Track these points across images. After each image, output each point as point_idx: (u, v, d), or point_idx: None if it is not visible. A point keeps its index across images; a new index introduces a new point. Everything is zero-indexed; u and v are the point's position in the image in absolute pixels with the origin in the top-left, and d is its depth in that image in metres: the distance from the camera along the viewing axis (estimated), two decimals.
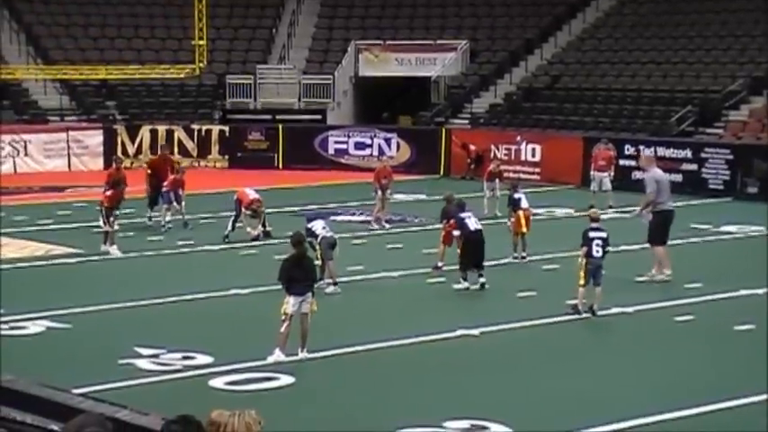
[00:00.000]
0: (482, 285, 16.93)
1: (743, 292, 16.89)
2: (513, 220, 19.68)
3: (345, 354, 13.52)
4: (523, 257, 19.34)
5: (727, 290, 16.90)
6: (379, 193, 23.65)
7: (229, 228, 21.21)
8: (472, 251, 17.02)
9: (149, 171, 23.99)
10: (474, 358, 13.54)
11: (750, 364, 13.22)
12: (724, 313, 15.75)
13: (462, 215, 17.39)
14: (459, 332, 14.50)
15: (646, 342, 14.26)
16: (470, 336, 14.40)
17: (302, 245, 13.60)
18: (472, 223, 17.26)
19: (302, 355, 13.16)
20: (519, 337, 14.53)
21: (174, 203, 22.83)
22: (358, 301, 16.49)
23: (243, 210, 21.41)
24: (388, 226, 23.08)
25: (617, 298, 16.31)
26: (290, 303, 13.07)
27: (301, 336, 13.17)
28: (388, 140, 34.38)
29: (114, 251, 19.62)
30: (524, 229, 19.35)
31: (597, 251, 15.43)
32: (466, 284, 16.94)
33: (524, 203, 19.83)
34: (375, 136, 34.58)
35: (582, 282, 15.35)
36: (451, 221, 17.93)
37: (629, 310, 15.78)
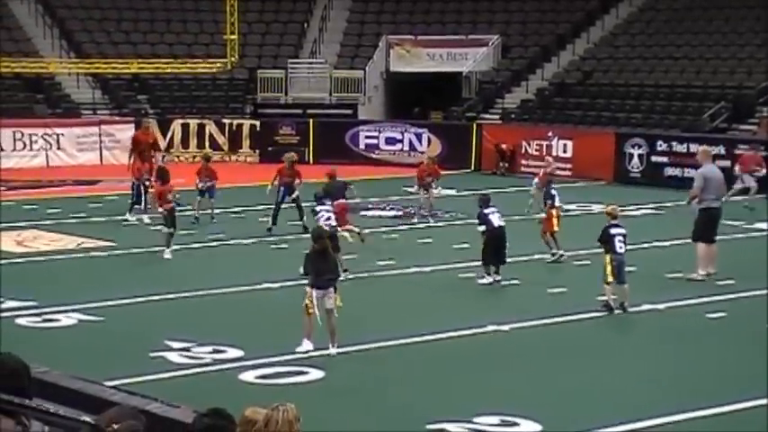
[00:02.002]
0: (497, 282, 16.91)
1: None
2: (545, 217, 19.45)
3: (375, 348, 13.54)
4: (561, 255, 19.11)
5: (759, 287, 16.77)
6: (422, 190, 23.57)
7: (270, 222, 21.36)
8: (494, 247, 16.97)
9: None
10: (504, 354, 13.52)
11: None
12: (756, 311, 15.64)
13: (486, 211, 17.30)
14: (489, 327, 14.49)
15: (676, 339, 14.18)
16: (500, 331, 14.38)
17: (323, 239, 13.65)
18: (495, 219, 17.21)
19: (332, 350, 13.20)
20: (549, 333, 14.49)
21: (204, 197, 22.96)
22: (389, 296, 16.50)
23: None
24: (432, 221, 22.97)
25: (648, 294, 16.23)
26: (313, 296, 13.17)
27: (329, 332, 13.21)
28: (418, 135, 34.36)
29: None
30: (556, 228, 19.23)
31: (620, 247, 15.40)
32: (490, 279, 16.94)
33: (557, 201, 19.77)
34: (406, 131, 34.57)
35: (609, 279, 15.31)
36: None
37: (661, 306, 15.71)
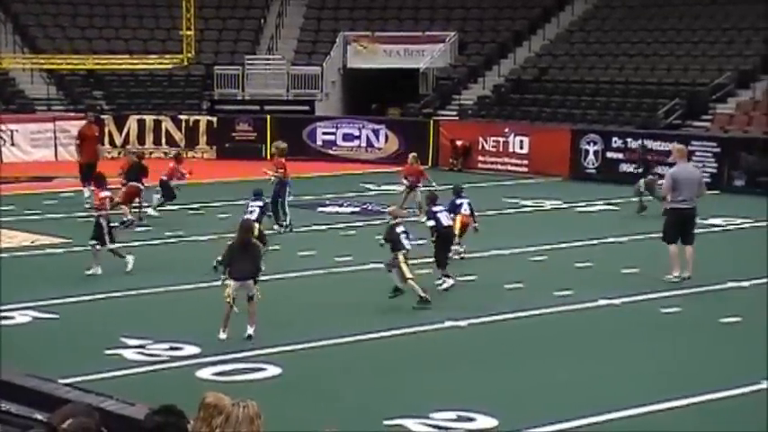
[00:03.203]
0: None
1: (730, 284, 16.94)
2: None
3: (333, 345, 13.51)
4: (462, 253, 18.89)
5: (714, 282, 16.94)
6: (405, 189, 23.17)
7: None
8: (444, 247, 16.83)
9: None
10: (461, 349, 13.54)
11: (736, 356, 13.27)
12: (711, 306, 15.80)
13: (435, 209, 17.02)
14: (446, 323, 14.51)
15: (632, 334, 14.28)
16: (457, 327, 14.40)
17: (248, 232, 13.84)
18: (443, 218, 16.91)
19: (250, 330, 13.59)
20: (506, 328, 14.54)
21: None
22: (346, 292, 16.47)
23: None
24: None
25: (605, 290, 16.34)
26: (231, 287, 13.52)
27: (249, 314, 13.58)
28: (376, 132, 34.35)
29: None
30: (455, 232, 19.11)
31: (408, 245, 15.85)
32: (451, 282, 16.54)
33: (465, 209, 19.09)
34: (363, 127, 34.55)
35: (408, 275, 15.39)
36: None
37: (617, 302, 15.82)
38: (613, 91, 34.00)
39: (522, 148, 31.79)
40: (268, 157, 33.25)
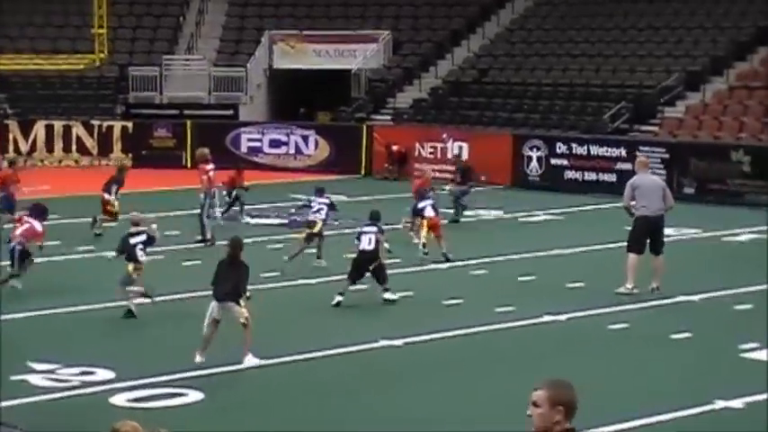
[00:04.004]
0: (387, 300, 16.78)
1: (680, 298, 17.17)
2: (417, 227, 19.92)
3: (258, 368, 13.43)
4: (425, 254, 19.68)
5: (663, 296, 17.16)
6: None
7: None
8: (357, 268, 16.76)
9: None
10: (396, 370, 13.54)
11: (687, 374, 13.44)
12: (660, 321, 15.99)
13: (364, 229, 17.03)
14: (381, 342, 14.50)
15: (577, 352, 14.40)
16: (393, 347, 14.41)
17: (236, 248, 13.69)
18: (364, 241, 16.84)
19: (252, 360, 13.33)
20: (444, 346, 14.58)
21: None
22: (274, 311, 16.38)
23: None
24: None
25: (550, 305, 16.46)
26: (212, 308, 13.34)
27: (244, 341, 13.34)
28: (305, 138, 34.31)
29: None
30: (423, 237, 19.46)
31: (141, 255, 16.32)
32: (339, 298, 16.53)
33: (429, 212, 19.73)
34: (291, 133, 34.48)
35: None
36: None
37: (562, 317, 15.95)
38: (557, 93, 34.35)
39: (460, 154, 31.94)
40: (189, 165, 33.08)
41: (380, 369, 13.64)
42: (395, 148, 32.55)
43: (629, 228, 17.85)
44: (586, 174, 29.79)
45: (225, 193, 24.53)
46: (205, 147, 23.71)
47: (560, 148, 30.42)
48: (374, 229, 17.06)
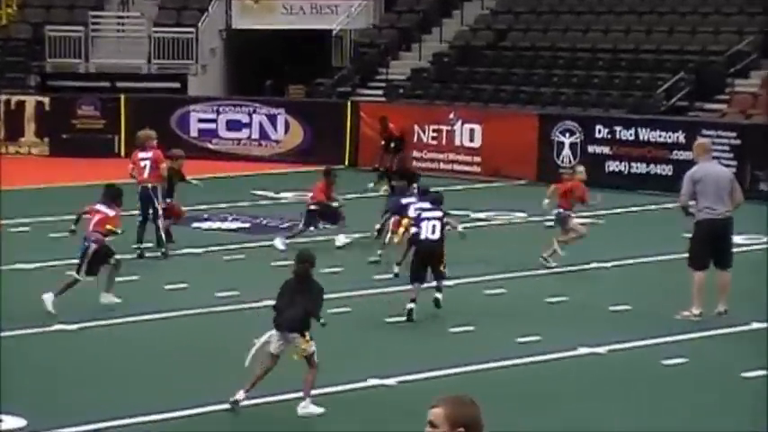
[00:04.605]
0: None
1: (754, 325, 17.19)
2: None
3: (220, 410, 13.45)
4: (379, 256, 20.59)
5: (732, 323, 17.18)
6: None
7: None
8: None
9: None
10: (387, 414, 13.55)
11: (762, 423, 13.45)
12: (728, 355, 16.00)
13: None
14: (370, 382, 14.50)
15: (620, 393, 14.42)
16: (384, 386, 14.41)
17: (304, 264, 13.65)
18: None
19: (312, 409, 13.40)
20: (446, 387, 14.52)
21: None
22: (231, 341, 16.37)
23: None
24: None
25: (585, 334, 16.47)
26: (270, 338, 13.43)
27: (304, 382, 13.47)
28: (272, 118, 34.31)
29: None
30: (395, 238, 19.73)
31: None
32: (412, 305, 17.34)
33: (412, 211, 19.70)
34: (255, 112, 34.47)
35: None
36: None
37: (601, 350, 15.97)
38: (596, 62, 34.39)
39: (472, 140, 31.99)
40: (122, 153, 33.02)
41: (367, 412, 13.65)
42: (392, 125, 32.20)
43: (689, 235, 17.84)
44: (634, 165, 29.82)
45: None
46: (146, 128, 23.56)
47: (600, 131, 30.46)
48: (438, 213, 17.89)
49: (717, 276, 17.53)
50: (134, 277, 19.30)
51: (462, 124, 32.10)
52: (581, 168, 22.04)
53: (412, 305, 17.30)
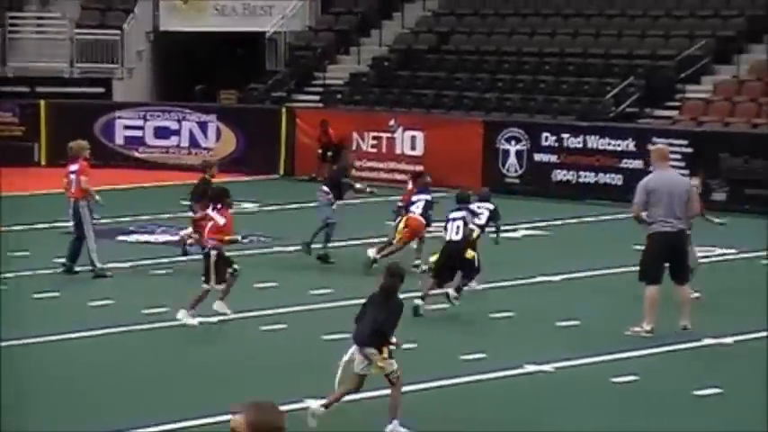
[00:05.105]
0: None
1: (707, 341, 17.27)
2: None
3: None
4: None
5: (683, 338, 17.26)
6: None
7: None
8: None
9: None
10: None
11: None
12: (680, 372, 16.07)
13: None
14: (305, 402, 14.45)
15: (569, 412, 14.44)
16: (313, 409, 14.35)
17: (394, 278, 13.53)
18: None
19: (398, 429, 13.30)
20: (373, 410, 14.48)
21: None
22: (158, 360, 16.28)
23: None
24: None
25: (532, 350, 16.49)
26: (351, 355, 13.43)
27: (390, 407, 13.38)
28: (203, 125, 34.21)
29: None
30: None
31: None
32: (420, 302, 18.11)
33: (417, 208, 21.24)
34: (185, 119, 34.35)
35: None
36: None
37: (549, 367, 15.99)
38: (542, 66, 34.52)
39: (414, 148, 32.02)
40: (43, 161, 32.78)
41: None
42: (331, 132, 32.25)
43: (641, 248, 17.88)
44: (582, 174, 29.96)
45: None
46: (67, 136, 23.29)
47: (547, 139, 30.58)
48: (461, 213, 18.70)
49: (675, 292, 17.56)
50: (55, 294, 19.13)
51: (403, 131, 32.13)
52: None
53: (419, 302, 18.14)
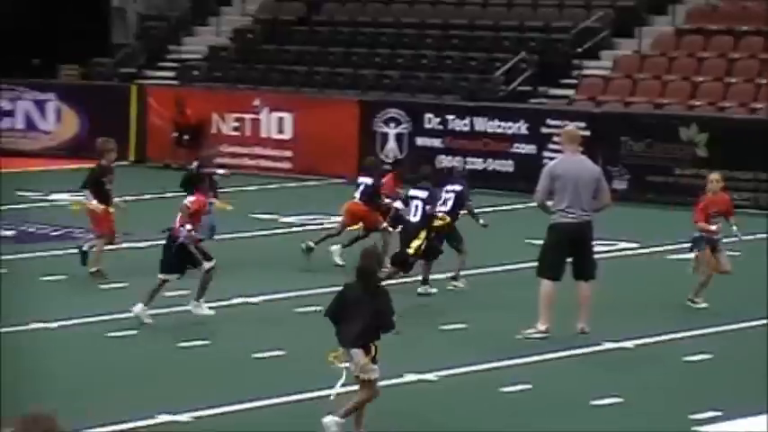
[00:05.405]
0: None
1: (607, 345, 17.54)
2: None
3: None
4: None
5: (583, 343, 17.50)
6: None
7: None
8: None
9: None
10: None
11: None
12: (578, 380, 16.32)
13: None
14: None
15: (449, 423, 14.61)
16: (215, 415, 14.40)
17: (371, 263, 13.22)
18: None
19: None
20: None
21: None
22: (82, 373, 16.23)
23: None
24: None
25: (412, 357, 16.63)
26: (341, 357, 13.27)
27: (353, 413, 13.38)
28: (40, 105, 34.00)
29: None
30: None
31: None
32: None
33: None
34: (19, 98, 34.09)
35: None
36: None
37: (431, 376, 16.15)
38: (424, 40, 34.72)
39: (282, 131, 32.09)
40: None
41: None
42: (189, 111, 32.15)
43: (534, 242, 18.05)
44: (469, 160, 30.20)
45: None
46: None
47: (430, 121, 30.79)
48: (424, 193, 19.18)
49: (576, 289, 17.74)
50: None
51: (270, 112, 32.18)
52: None
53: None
